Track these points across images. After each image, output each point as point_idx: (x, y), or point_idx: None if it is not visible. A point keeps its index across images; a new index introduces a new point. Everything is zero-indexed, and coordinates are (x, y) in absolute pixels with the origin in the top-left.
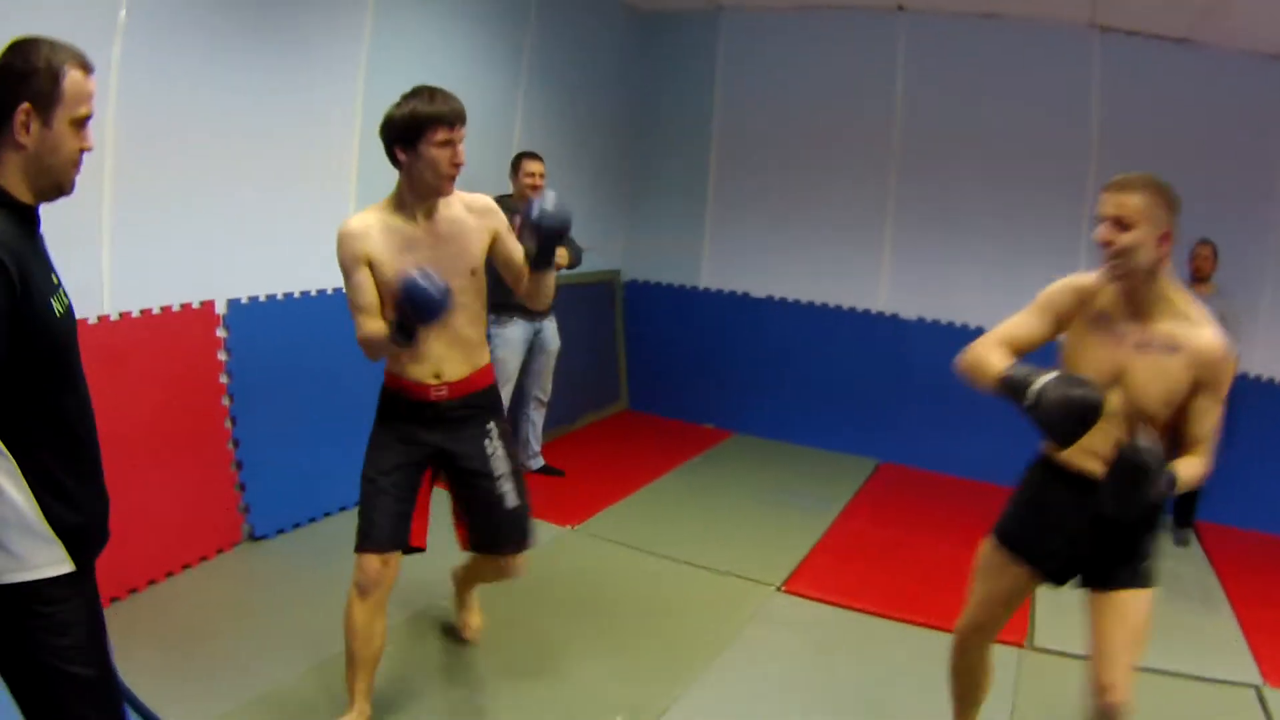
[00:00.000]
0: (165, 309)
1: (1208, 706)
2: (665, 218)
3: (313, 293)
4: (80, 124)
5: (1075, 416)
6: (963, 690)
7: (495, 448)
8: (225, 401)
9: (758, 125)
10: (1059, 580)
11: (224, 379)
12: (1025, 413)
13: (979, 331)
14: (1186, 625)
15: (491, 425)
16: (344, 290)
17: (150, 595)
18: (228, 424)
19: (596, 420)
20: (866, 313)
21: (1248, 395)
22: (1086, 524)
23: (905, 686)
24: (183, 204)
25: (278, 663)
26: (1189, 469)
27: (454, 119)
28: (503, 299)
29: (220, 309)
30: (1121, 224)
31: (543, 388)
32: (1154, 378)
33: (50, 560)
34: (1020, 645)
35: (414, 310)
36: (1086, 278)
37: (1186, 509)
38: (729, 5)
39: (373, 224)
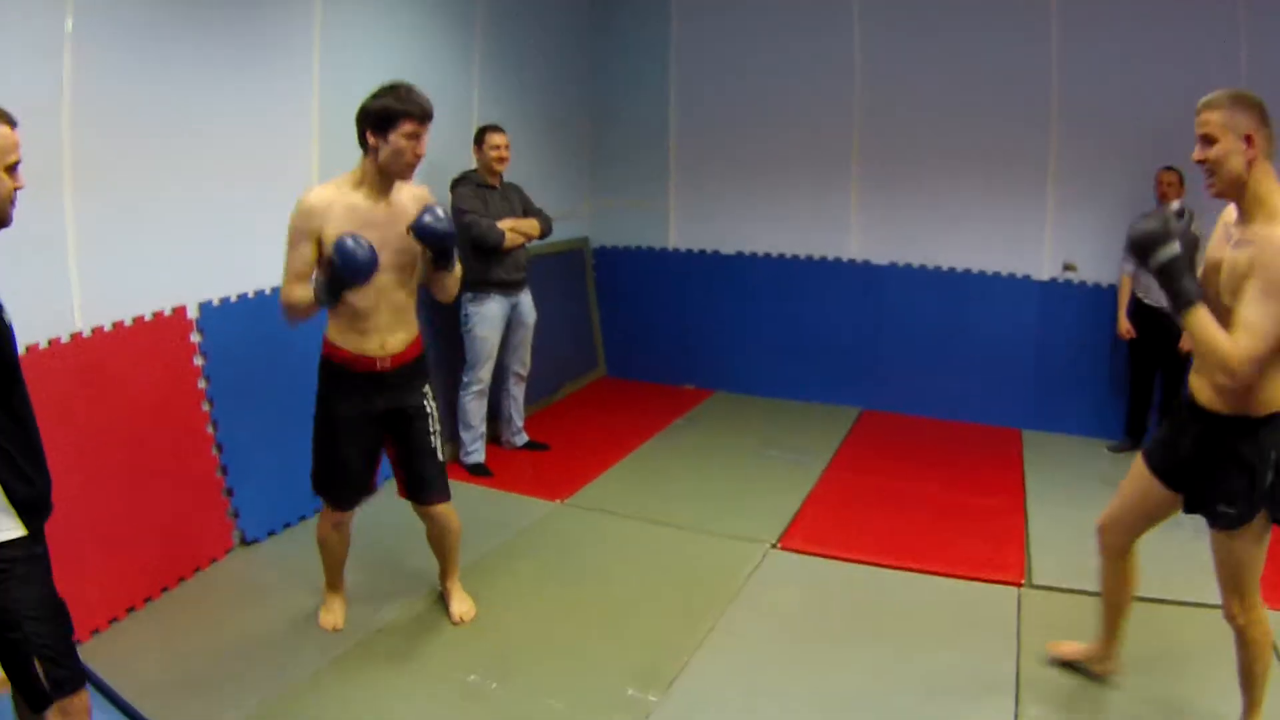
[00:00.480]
0: (137, 319)
1: (1213, 631)
2: (630, 182)
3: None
4: (10, 169)
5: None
6: (1106, 593)
7: (430, 405)
8: (205, 407)
9: (716, 83)
10: (1186, 507)
11: (202, 384)
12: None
13: (951, 273)
14: (1183, 553)
15: (426, 387)
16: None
17: (150, 611)
18: (210, 429)
19: (576, 390)
20: (838, 261)
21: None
22: (1192, 449)
23: (911, 634)
24: (145, 210)
25: (286, 667)
26: (1209, 321)
27: (422, 116)
28: (480, 275)
29: (193, 313)
30: (1207, 140)
31: (522, 361)
32: (1229, 271)
33: (7, 527)
34: (1019, 585)
35: (344, 269)
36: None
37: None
38: None
39: (334, 201)
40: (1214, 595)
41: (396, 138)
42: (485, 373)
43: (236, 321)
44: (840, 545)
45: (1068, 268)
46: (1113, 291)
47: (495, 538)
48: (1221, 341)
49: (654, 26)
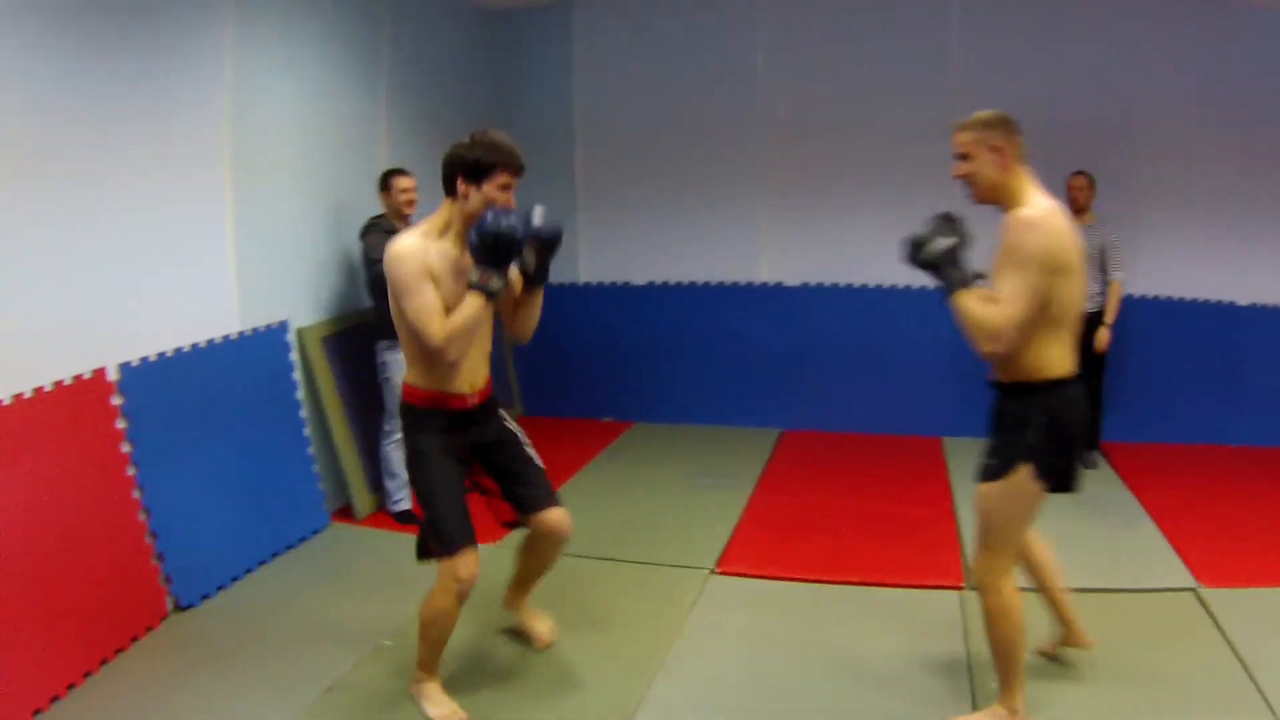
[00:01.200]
0: (57, 384)
1: (1152, 614)
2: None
3: (203, 343)
4: None
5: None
6: (1038, 586)
7: (511, 424)
8: (130, 471)
9: (621, 112)
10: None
11: (126, 447)
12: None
13: (864, 289)
14: (1114, 542)
15: (501, 411)
16: (403, 305)
17: (89, 688)
18: (136, 494)
19: None
20: (750, 285)
21: (1135, 315)
22: (991, 423)
23: (862, 645)
24: (56, 269)
25: None
26: (974, 300)
27: (518, 169)
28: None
29: (113, 375)
30: (963, 157)
31: None
32: (995, 258)
33: None
34: (959, 588)
35: (501, 246)
36: None
37: (1089, 432)
38: None
39: (429, 247)
40: (1153, 579)
41: (490, 188)
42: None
43: (159, 381)
44: (779, 565)
45: (978, 276)
46: None
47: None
48: (986, 314)
49: (555, 60)
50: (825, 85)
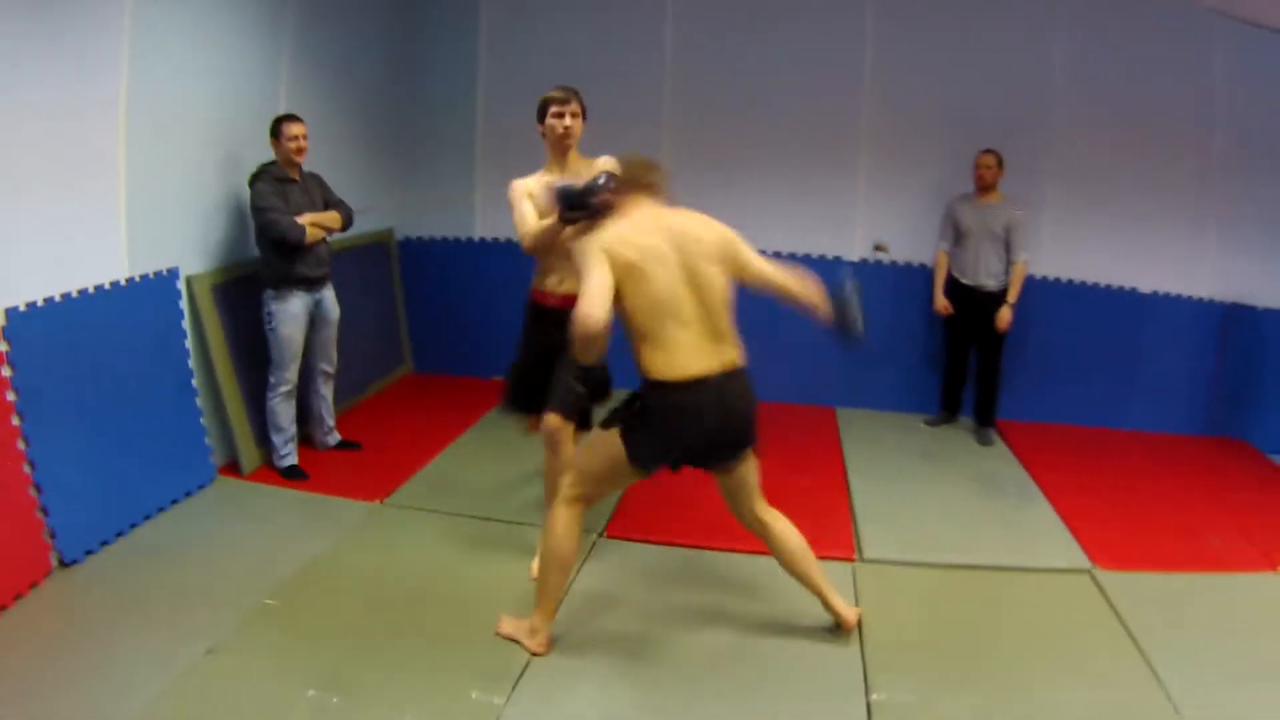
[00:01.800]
0: None
1: (1047, 594)
2: (436, 172)
3: (90, 289)
4: None
5: None
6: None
7: None
8: (15, 421)
9: (526, 75)
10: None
11: (10, 396)
12: None
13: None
14: (1009, 520)
15: None
16: (511, 216)
17: None
18: (20, 445)
19: (384, 387)
20: None
21: (1037, 295)
22: None
23: (750, 613)
24: None
25: (122, 694)
26: None
27: (564, 99)
28: (282, 272)
29: None
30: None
31: (329, 359)
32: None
33: None
34: (851, 560)
35: (570, 199)
36: None
37: (986, 409)
38: None
39: (531, 181)
40: (1049, 559)
41: (550, 120)
42: (292, 373)
43: (48, 328)
44: (667, 531)
45: (878, 248)
46: (924, 270)
47: (317, 542)
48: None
49: (463, 19)
50: (731, 63)
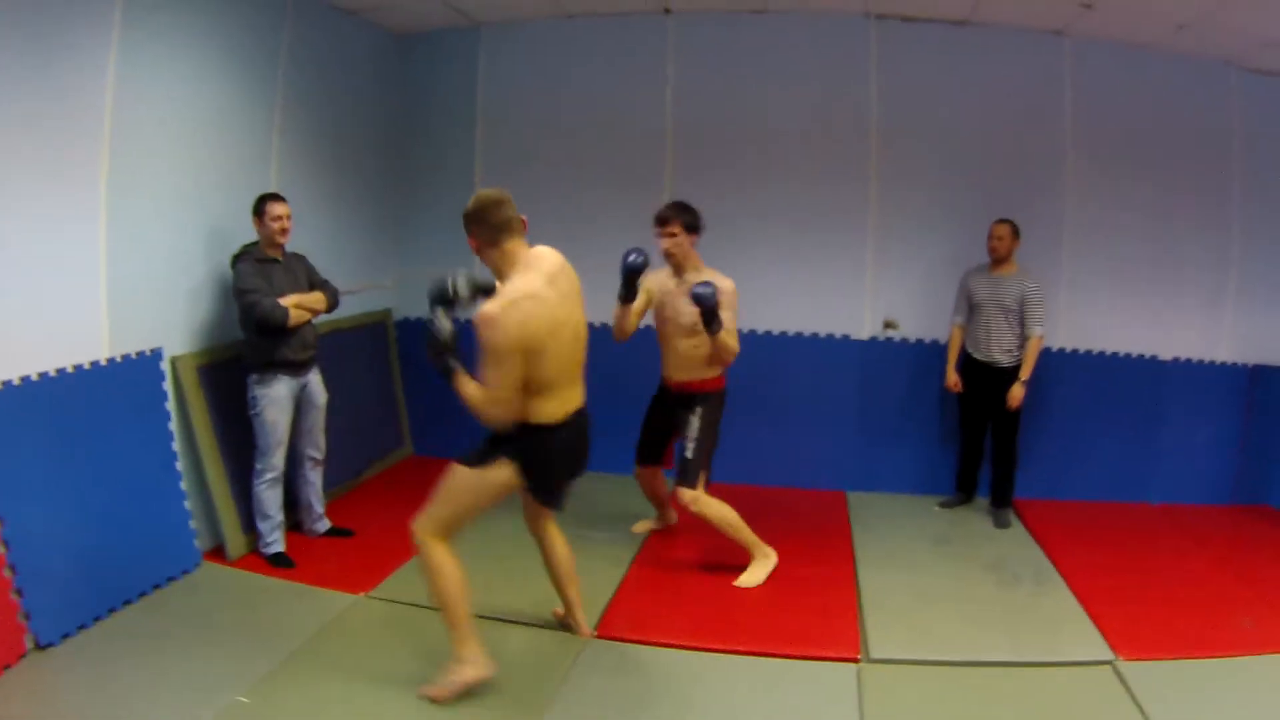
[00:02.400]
0: None
1: (1066, 690)
2: (435, 251)
3: (69, 369)
4: None
5: None
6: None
7: (695, 420)
8: None
9: (524, 145)
10: None
11: None
12: None
13: (768, 337)
14: (1026, 609)
15: (698, 408)
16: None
17: None
18: None
19: (382, 470)
20: (648, 329)
21: (1053, 367)
22: None
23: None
24: None
25: None
26: (466, 380)
27: (660, 220)
28: (265, 356)
29: None
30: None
31: (316, 445)
32: None
33: None
34: (855, 660)
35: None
36: None
37: (1002, 490)
38: (487, 21)
39: (661, 276)
40: (1068, 652)
41: (658, 239)
42: (278, 459)
43: (23, 407)
44: (661, 630)
45: (888, 325)
46: (936, 347)
47: (298, 636)
48: (475, 393)
49: (461, 88)
50: (735, 134)
